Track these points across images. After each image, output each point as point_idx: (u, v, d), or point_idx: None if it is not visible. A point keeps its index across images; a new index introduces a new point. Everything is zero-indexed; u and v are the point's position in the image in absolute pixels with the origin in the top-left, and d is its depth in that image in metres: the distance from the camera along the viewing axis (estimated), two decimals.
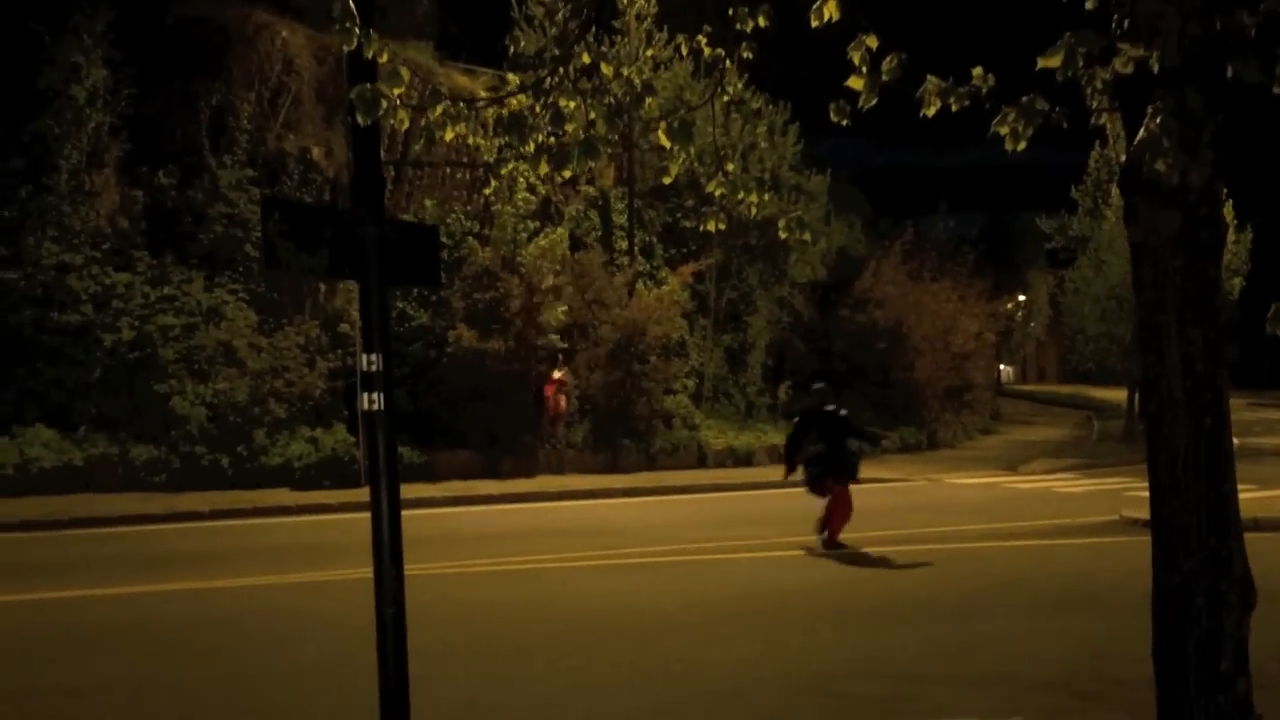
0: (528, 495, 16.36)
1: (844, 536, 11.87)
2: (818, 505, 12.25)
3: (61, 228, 16.86)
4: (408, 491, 15.89)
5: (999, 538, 12.51)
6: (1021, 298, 55.71)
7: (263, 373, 17.34)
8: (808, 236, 5.26)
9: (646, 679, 6.67)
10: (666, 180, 4.85)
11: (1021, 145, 3.94)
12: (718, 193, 4.61)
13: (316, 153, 19.12)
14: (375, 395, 4.07)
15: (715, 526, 13.63)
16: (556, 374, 18.87)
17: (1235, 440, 3.99)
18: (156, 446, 16.15)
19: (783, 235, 4.88)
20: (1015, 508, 15.63)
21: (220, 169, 18.15)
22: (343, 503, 15.06)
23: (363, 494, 14.75)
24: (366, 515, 13.09)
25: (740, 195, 4.58)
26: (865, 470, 20.88)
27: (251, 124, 18.69)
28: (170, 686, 6.61)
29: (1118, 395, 53.72)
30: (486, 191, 19.50)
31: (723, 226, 6.09)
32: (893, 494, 17.70)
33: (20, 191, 16.64)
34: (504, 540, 12.40)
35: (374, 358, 4.07)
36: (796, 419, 12.82)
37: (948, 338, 30.44)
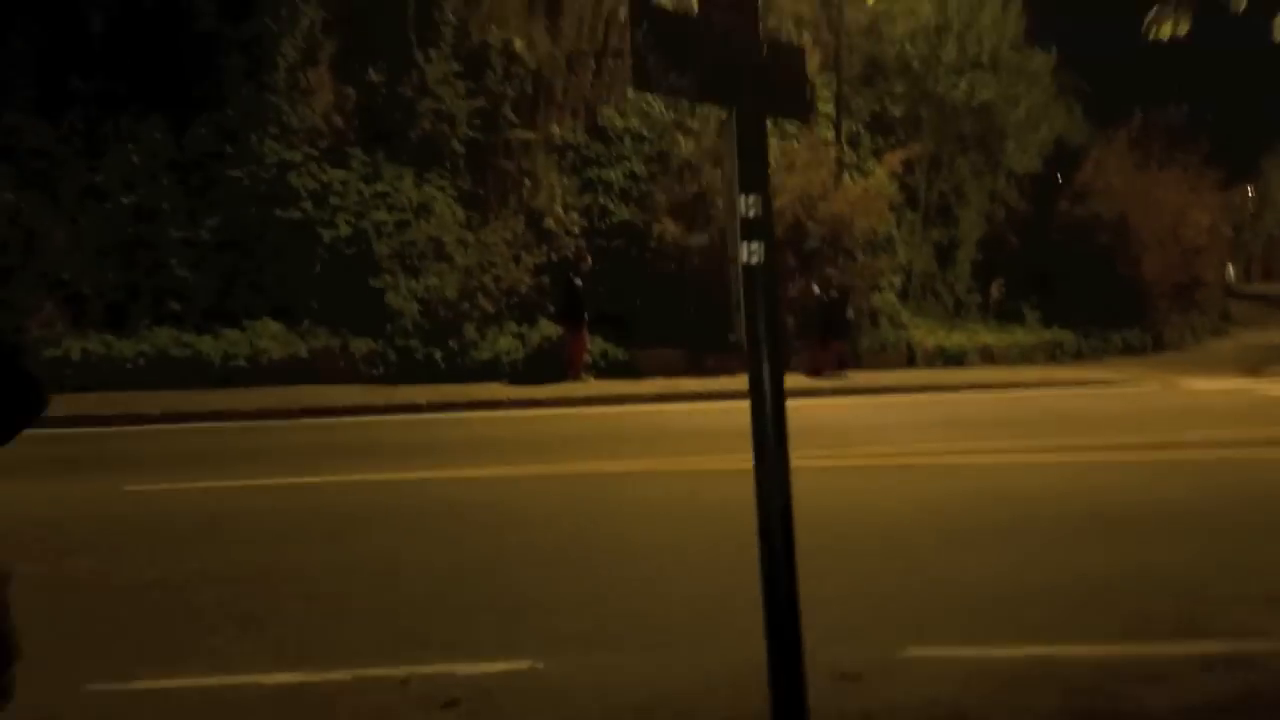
0: (733, 393, 15.98)
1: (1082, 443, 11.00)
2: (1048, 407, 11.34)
3: (281, 125, 17.29)
4: (613, 388, 15.97)
5: (1262, 444, 11.34)
6: (1250, 190, 51.04)
7: (471, 268, 17.51)
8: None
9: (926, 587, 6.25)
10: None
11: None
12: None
13: (519, 44, 18.85)
14: (755, 245, 3.51)
15: (935, 429, 12.94)
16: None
17: None
18: (374, 340, 16.60)
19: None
20: (1272, 414, 14.23)
21: (427, 63, 18.16)
22: (553, 397, 15.12)
23: (573, 389, 14.83)
24: (578, 410, 13.12)
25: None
26: (1090, 372, 19.83)
27: (456, 16, 18.55)
28: (419, 566, 6.65)
29: None
30: None
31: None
32: (1123, 399, 16.46)
33: (242, 90, 17.09)
34: (718, 437, 12.11)
35: (752, 199, 3.50)
36: None
37: (1177, 231, 28.01)
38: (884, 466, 10.33)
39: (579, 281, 16.94)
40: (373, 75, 18.11)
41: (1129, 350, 25.10)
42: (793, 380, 17.42)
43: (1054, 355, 22.90)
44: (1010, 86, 22.06)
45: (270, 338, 16.19)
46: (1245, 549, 7.20)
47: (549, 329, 17.15)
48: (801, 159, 18.57)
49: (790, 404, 12.82)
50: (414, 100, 18.17)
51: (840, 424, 13.38)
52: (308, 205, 17.16)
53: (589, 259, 17.19)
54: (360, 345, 16.49)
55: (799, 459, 10.23)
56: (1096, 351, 24.00)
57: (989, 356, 21.14)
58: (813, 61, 21.79)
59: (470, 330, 16.94)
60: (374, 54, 18.13)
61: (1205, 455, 10.91)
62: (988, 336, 21.68)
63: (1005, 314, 24.43)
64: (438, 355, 16.56)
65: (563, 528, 7.82)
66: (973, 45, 21.72)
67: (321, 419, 13.68)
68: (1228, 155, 37.32)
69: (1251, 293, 53.04)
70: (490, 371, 16.59)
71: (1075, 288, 25.83)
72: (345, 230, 17.12)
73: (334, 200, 17.33)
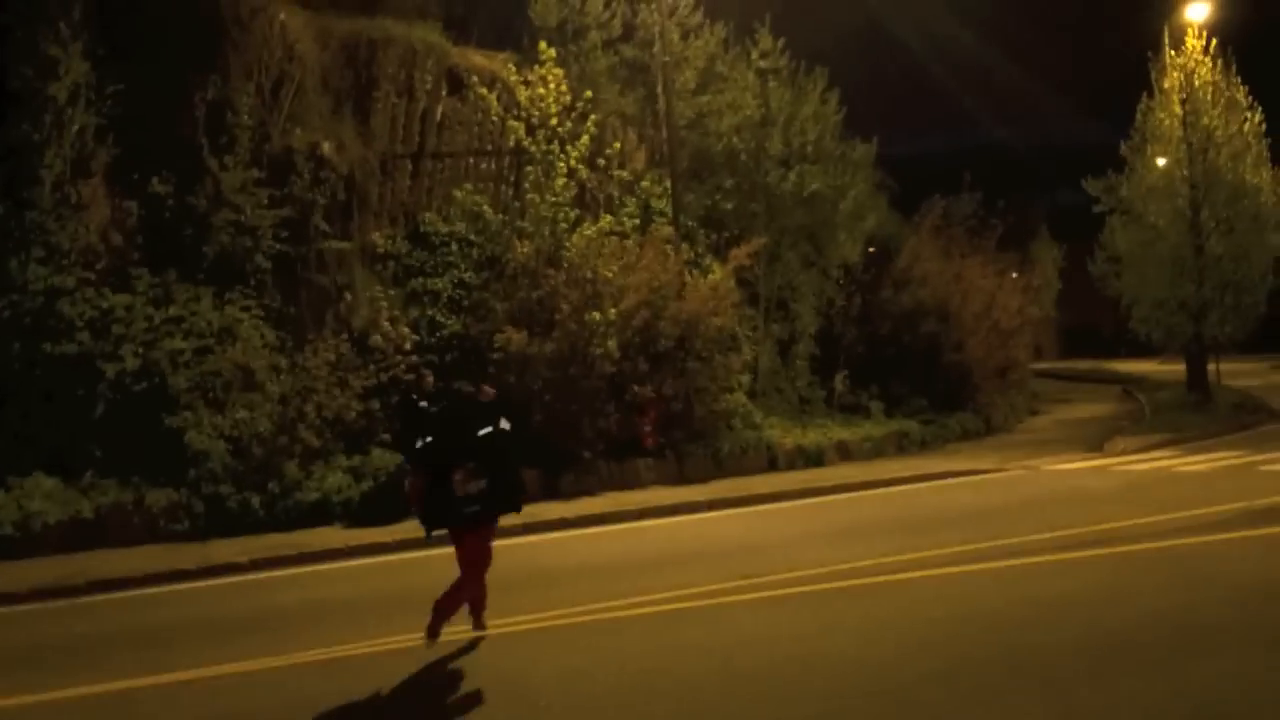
0: (606, 516, 14.35)
1: (1016, 541, 9.99)
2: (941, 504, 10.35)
3: (48, 247, 14.70)
4: None
5: (1197, 532, 10.60)
6: (1013, 275, 54.06)
7: (287, 397, 15.27)
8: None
9: None
10: None
11: None
12: None
13: (327, 148, 17.03)
14: None
15: (844, 539, 11.68)
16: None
17: None
18: (175, 489, 14.04)
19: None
20: (1160, 494, 13.77)
21: (222, 171, 16.05)
22: (400, 540, 12.98)
23: (420, 528, 12.64)
24: (431, 554, 10.97)
25: None
26: (951, 462, 19.29)
27: (253, 119, 16.58)
28: None
29: (1139, 366, 52.60)
30: (528, 177, 17.42)
31: None
32: (1004, 487, 15.81)
33: None
34: (618, 574, 10.41)
35: None
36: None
37: (992, 315, 28.67)
38: (825, 591, 8.88)
39: (424, 404, 14.98)
40: (157, 186, 15.84)
41: (966, 435, 25.03)
42: (656, 495, 16.01)
43: (901, 446, 22.42)
44: (837, 177, 21.85)
45: (44, 497, 13.37)
46: None
47: (386, 459, 15.04)
48: (646, 257, 17.42)
49: (670, 523, 10.94)
50: (208, 212, 15.97)
51: (742, 541, 11.93)
52: (84, 336, 14.56)
53: (431, 377, 15.28)
54: (158, 497, 13.90)
55: (720, 590, 8.62)
56: (938, 439, 23.74)
57: (845, 452, 20.35)
58: (639, 158, 20.98)
59: (292, 469, 14.63)
60: (158, 162, 15.88)
61: (1151, 546, 10.04)
62: (841, 432, 20.94)
63: (847, 406, 23.93)
64: (255, 501, 14.14)
65: None
66: (796, 137, 21.43)
67: (117, 593, 11.11)
68: (1007, 242, 39.09)
69: (1041, 370, 55.93)
70: (320, 515, 14.28)
71: (908, 376, 25.77)
72: (133, 363, 14.60)
73: (117, 329, 14.80)
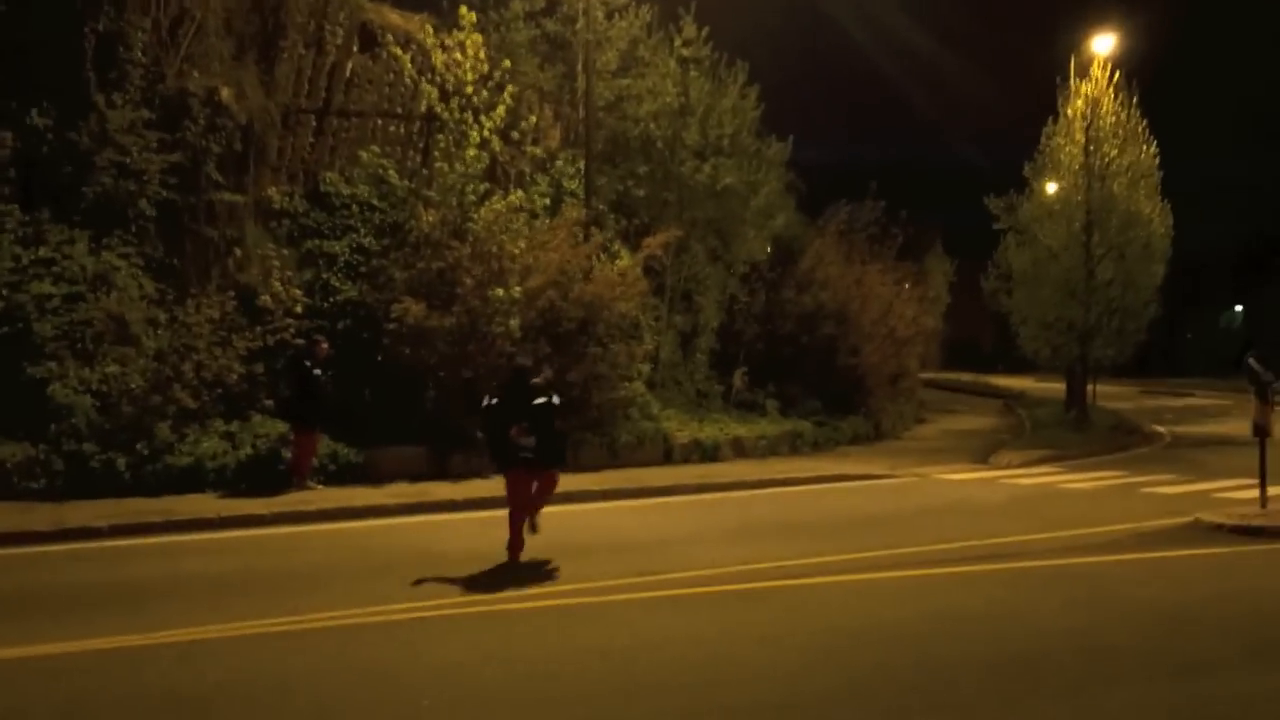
0: (496, 500, 13.78)
1: (912, 550, 9.91)
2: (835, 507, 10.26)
3: None
4: (349, 497, 13.36)
5: (1090, 551, 10.68)
6: (909, 286, 55.14)
7: (164, 353, 14.36)
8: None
9: None
10: None
11: None
12: None
13: (225, 94, 16.06)
14: None
15: (742, 538, 11.47)
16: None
17: None
18: (33, 445, 13.05)
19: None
20: (1050, 510, 13.93)
21: (110, 108, 14.99)
22: (277, 513, 12.32)
23: (300, 501, 12.02)
24: (311, 528, 10.39)
25: None
26: (843, 465, 19.36)
27: (147, 57, 15.54)
28: None
29: (1018, 382, 54.23)
30: (439, 144, 16.75)
31: None
32: (896, 493, 15.86)
33: None
34: (500, 559, 9.96)
35: None
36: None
37: (889, 322, 28.99)
38: (724, 594, 8.61)
39: (318, 372, 14.27)
40: (36, 118, 14.71)
41: (856, 439, 25.17)
42: (561, 479, 15.54)
43: (795, 445, 22.43)
44: (750, 173, 21.68)
45: None
46: (1196, 691, 6.07)
47: (267, 427, 14.26)
48: (557, 238, 16.94)
49: (561, 511, 10.41)
50: (91, 151, 14.90)
51: (637, 535, 11.62)
52: None
53: (325, 344, 14.55)
54: (13, 451, 12.90)
55: (615, 586, 8.22)
56: (830, 441, 23.81)
57: (740, 449, 20.23)
58: (554, 136, 20.46)
59: (164, 430, 13.75)
60: (39, 92, 14.76)
61: (1045, 564, 10.06)
62: (738, 428, 20.81)
63: (743, 403, 23.82)
64: (121, 462, 13.23)
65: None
66: (714, 129, 21.17)
67: None
68: (905, 253, 39.66)
69: (924, 380, 57.16)
70: (192, 481, 13.46)
71: (805, 377, 25.83)
72: None
73: None
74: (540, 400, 10.05)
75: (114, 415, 13.56)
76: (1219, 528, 11.81)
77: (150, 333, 14.59)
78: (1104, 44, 27.42)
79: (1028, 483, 17.31)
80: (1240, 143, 41.32)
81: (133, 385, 13.86)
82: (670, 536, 11.56)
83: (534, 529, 10.17)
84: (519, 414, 9.90)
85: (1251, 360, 12.51)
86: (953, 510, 13.88)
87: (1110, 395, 37.44)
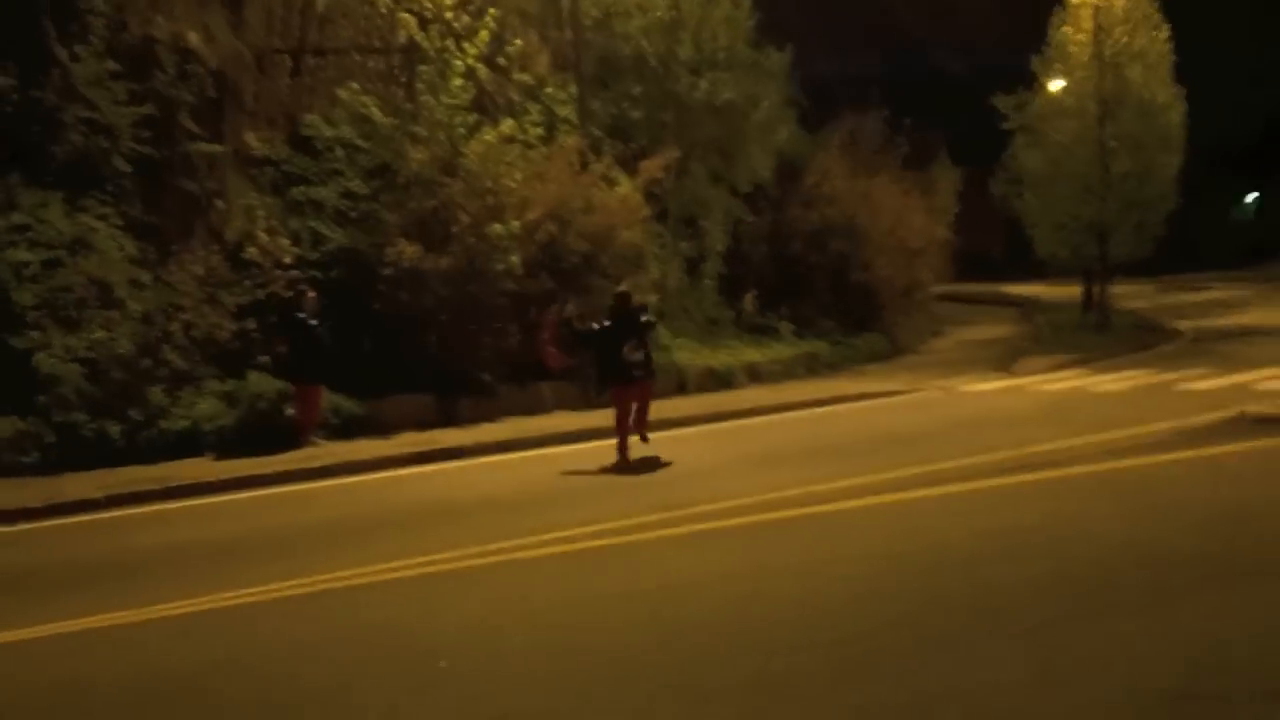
0: (508, 443, 13.34)
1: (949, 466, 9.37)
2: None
3: None
4: (354, 451, 12.83)
5: (1136, 453, 10.10)
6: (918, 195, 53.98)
7: (151, 315, 13.74)
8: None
9: None
10: None
11: None
12: None
13: (194, 38, 15.24)
14: None
15: (767, 466, 10.93)
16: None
17: None
18: (22, 418, 12.50)
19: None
20: (1084, 414, 13.37)
21: (73, 62, 14.21)
22: (280, 472, 11.81)
23: (305, 458, 11.46)
24: (318, 485, 9.79)
25: None
26: (864, 384, 18.79)
27: (108, 4, 14.71)
28: None
29: (1030, 289, 53.29)
30: (422, 77, 15.93)
31: None
32: (923, 409, 15.30)
33: None
34: (523, 508, 9.44)
35: None
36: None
37: (898, 234, 28.22)
38: (755, 525, 8.06)
39: (314, 323, 13.69)
40: None
41: (873, 356, 24.62)
42: (562, 420, 15.05)
43: (811, 367, 21.88)
44: (750, 87, 20.80)
45: None
46: None
47: (264, 384, 13.68)
48: (554, 168, 16.19)
49: (584, 448, 9.81)
50: (57, 108, 14.15)
51: (659, 470, 11.07)
52: None
53: (313, 293, 13.92)
54: (3, 426, 12.37)
55: (638, 525, 7.59)
56: (847, 360, 23.29)
57: (755, 374, 19.69)
58: (542, 62, 19.59)
59: (157, 394, 13.20)
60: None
61: (1087, 471, 9.48)
62: (752, 354, 20.25)
63: (755, 327, 23.22)
64: (114, 430, 12.70)
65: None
66: (708, 42, 20.26)
67: None
68: (910, 163, 38.75)
69: (936, 294, 56.28)
70: (189, 445, 12.93)
71: (816, 296, 25.22)
72: None
73: None
74: (647, 318, 11.76)
75: (104, 382, 12.98)
76: (1266, 419, 11.22)
77: (135, 294, 13.93)
78: None
79: (1056, 388, 16.74)
80: (1256, 32, 40.08)
81: (121, 350, 13.27)
82: (692, 469, 11.03)
83: (645, 439, 11.50)
84: (629, 333, 11.26)
85: None
86: (984, 422, 13.31)
87: (1126, 294, 36.59)
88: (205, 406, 13.44)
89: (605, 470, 11.15)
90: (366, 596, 6.77)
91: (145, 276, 14.18)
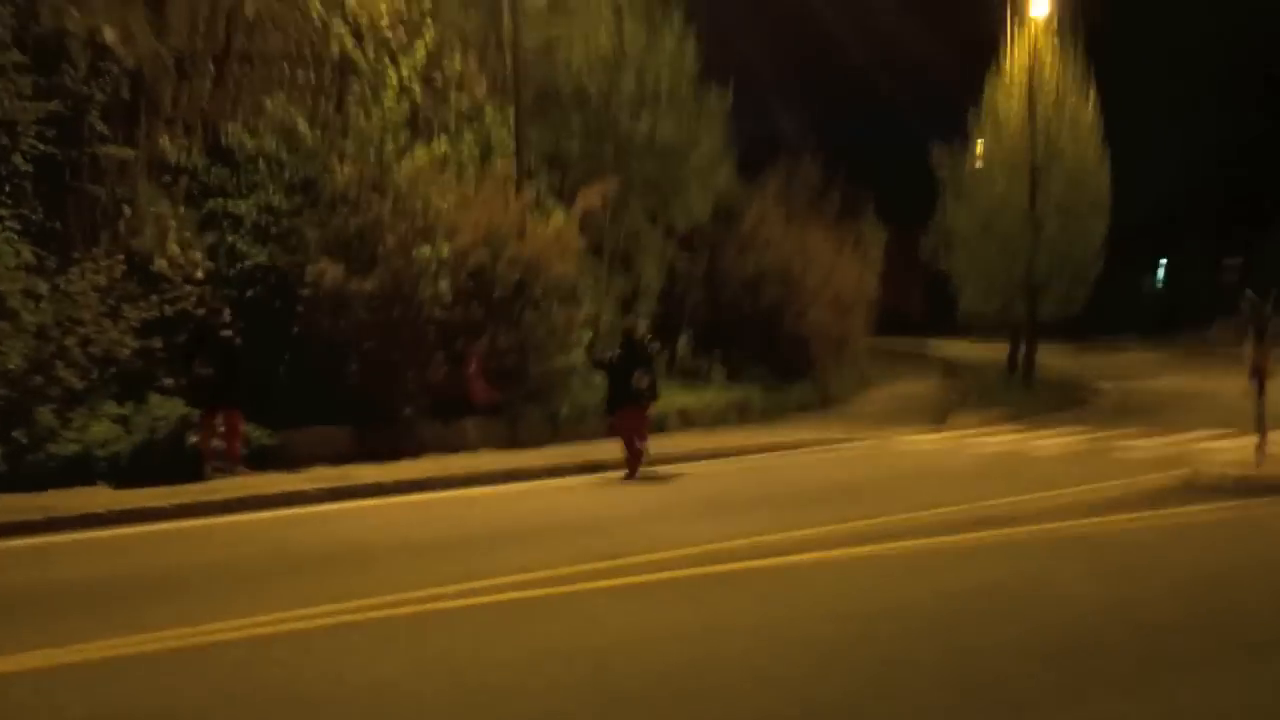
0: (429, 481, 12.51)
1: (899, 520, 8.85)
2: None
3: None
4: (262, 484, 11.86)
5: (1094, 511, 9.71)
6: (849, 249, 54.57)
7: (45, 328, 12.68)
8: None
9: None
10: None
11: None
12: None
13: (110, 35, 14.30)
14: None
15: (708, 514, 10.30)
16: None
17: None
18: None
19: None
20: (1029, 469, 13.07)
21: None
22: (179, 505, 10.82)
23: (207, 490, 10.47)
24: (223, 521, 8.81)
25: None
26: (799, 432, 18.30)
27: None
28: None
29: (952, 348, 53.86)
30: (353, 91, 15.18)
31: None
32: (863, 460, 14.87)
33: None
34: (445, 552, 8.67)
35: None
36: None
37: (833, 285, 28.05)
38: (701, 578, 7.39)
39: (239, 341, 12.77)
40: None
41: (805, 406, 24.20)
42: (486, 460, 14.25)
43: (743, 414, 21.38)
44: (692, 126, 20.43)
45: None
46: None
47: (167, 408, 12.65)
48: (484, 193, 15.51)
49: (512, 489, 9.12)
50: None
51: (592, 515, 10.39)
52: None
53: (225, 310, 13.00)
54: None
55: (573, 575, 6.78)
56: (779, 408, 22.83)
57: (687, 419, 19.09)
58: (481, 84, 18.93)
59: (46, 415, 12.10)
60: None
61: (1044, 529, 9.02)
62: (685, 398, 19.65)
63: (688, 371, 22.69)
64: None
65: None
66: (651, 79, 19.85)
67: None
68: (842, 217, 38.84)
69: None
70: (80, 472, 11.81)
71: (749, 342, 24.83)
72: None
73: None
74: (652, 347, 13.88)
75: None
76: (1220, 482, 10.94)
77: (30, 306, 12.85)
78: (1040, 8, 26.47)
79: (994, 442, 16.46)
80: (1176, 106, 41.29)
81: (10, 365, 12.17)
82: (627, 514, 10.36)
83: (647, 456, 12.95)
84: (637, 362, 12.92)
85: (1249, 295, 11.63)
86: (929, 474, 12.92)
87: (1048, 355, 37.04)
88: (99, 430, 12.36)
89: (595, 490, 10.56)
90: (265, 651, 5.92)
91: (43, 286, 13.08)
